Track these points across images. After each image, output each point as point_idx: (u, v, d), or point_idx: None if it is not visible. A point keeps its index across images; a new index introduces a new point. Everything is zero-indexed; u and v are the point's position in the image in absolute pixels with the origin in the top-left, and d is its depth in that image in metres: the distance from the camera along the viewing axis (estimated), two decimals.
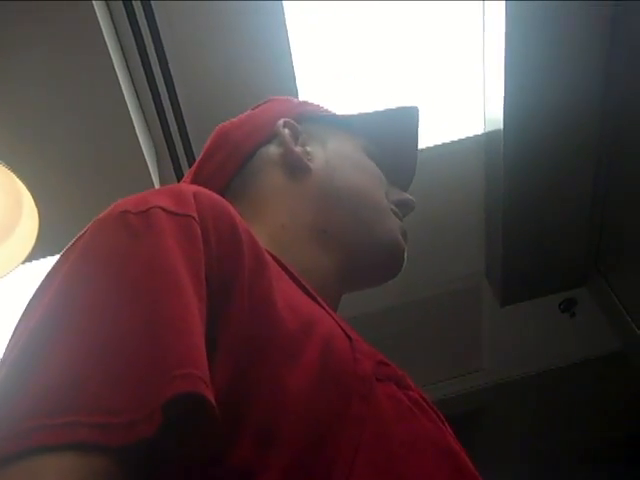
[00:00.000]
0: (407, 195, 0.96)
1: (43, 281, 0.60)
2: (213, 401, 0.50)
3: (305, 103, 1.01)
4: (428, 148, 2.47)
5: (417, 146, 1.05)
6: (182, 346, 0.51)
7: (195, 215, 0.60)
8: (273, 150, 0.90)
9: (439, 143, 2.50)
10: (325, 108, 1.01)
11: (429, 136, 2.47)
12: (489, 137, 2.48)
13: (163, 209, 0.59)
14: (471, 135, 2.52)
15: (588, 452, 3.51)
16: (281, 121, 0.91)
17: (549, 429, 3.48)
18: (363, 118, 0.98)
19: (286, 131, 0.91)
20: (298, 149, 0.89)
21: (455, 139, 2.52)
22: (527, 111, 2.27)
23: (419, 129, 1.04)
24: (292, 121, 0.92)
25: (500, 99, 2.25)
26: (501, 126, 2.31)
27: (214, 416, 0.50)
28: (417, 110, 1.03)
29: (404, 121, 1.02)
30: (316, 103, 1.02)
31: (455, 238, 2.79)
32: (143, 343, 0.50)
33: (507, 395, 3.37)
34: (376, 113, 0.99)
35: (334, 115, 0.98)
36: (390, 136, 0.99)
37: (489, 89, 2.34)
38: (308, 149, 0.91)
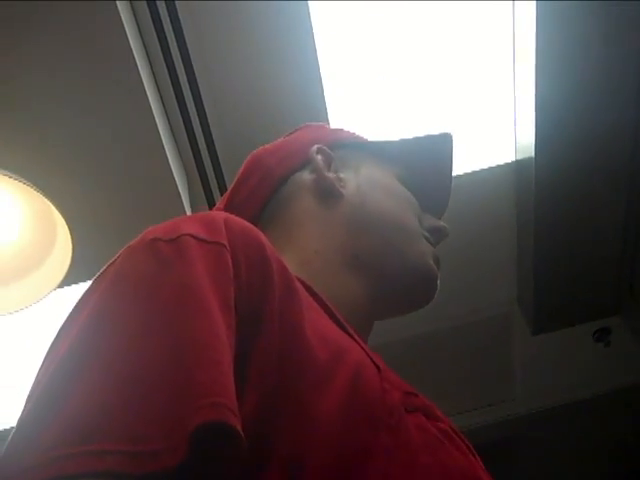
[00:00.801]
0: (440, 222, 0.96)
1: (74, 308, 0.60)
2: (240, 430, 0.50)
3: (339, 130, 1.02)
4: (459, 175, 2.47)
5: (451, 173, 1.05)
6: (210, 375, 0.51)
7: (226, 243, 0.60)
8: (306, 176, 0.91)
9: (470, 171, 2.49)
10: (358, 135, 1.01)
11: (460, 163, 2.46)
12: (520, 165, 2.47)
13: (194, 237, 0.59)
14: (502, 163, 2.51)
15: None
16: (314, 147, 0.92)
17: (581, 460, 3.42)
18: (396, 145, 0.98)
19: (319, 157, 0.91)
20: (331, 175, 0.90)
21: (486, 167, 2.51)
22: (559, 138, 2.26)
23: (453, 156, 1.04)
24: (325, 148, 0.93)
25: (531, 126, 2.24)
26: (532, 154, 2.30)
27: (241, 445, 0.50)
28: (451, 137, 1.03)
29: (437, 148, 1.02)
30: (350, 130, 1.03)
31: (487, 266, 2.77)
32: (171, 372, 0.50)
33: (538, 425, 3.32)
34: (409, 140, 0.99)
35: (367, 142, 0.99)
36: (423, 163, 0.99)
37: (520, 116, 2.33)
38: (341, 175, 0.91)
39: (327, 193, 0.89)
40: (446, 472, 0.63)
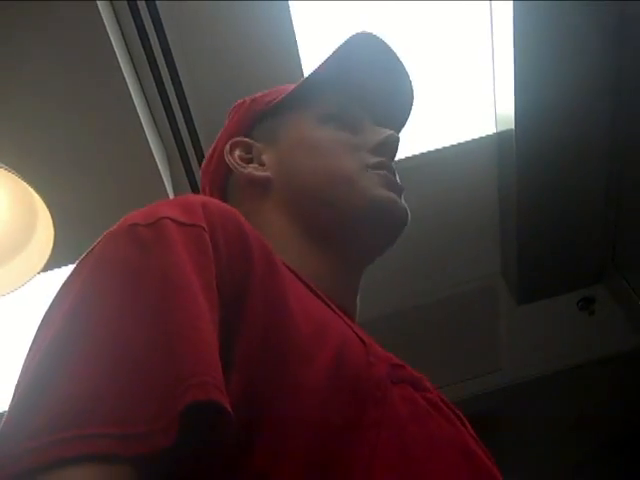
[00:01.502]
0: (384, 133, 0.88)
1: (57, 295, 0.60)
2: (229, 407, 0.50)
3: (254, 101, 0.96)
4: (440, 149, 2.47)
5: (397, 66, 0.96)
6: (196, 355, 0.51)
7: (204, 225, 0.60)
8: (237, 178, 0.90)
9: (451, 144, 2.49)
10: (276, 92, 0.95)
11: (441, 137, 2.46)
12: (501, 136, 2.47)
13: (172, 220, 0.59)
14: (483, 135, 2.52)
15: (608, 451, 3.49)
16: (227, 146, 0.90)
17: (568, 428, 3.46)
18: (316, 77, 0.91)
19: (235, 154, 0.90)
20: (249, 168, 0.88)
21: (467, 139, 2.52)
22: (539, 109, 2.27)
23: (390, 51, 0.95)
24: (240, 138, 0.91)
25: (511, 98, 2.24)
26: (513, 125, 2.30)
27: (230, 422, 0.50)
28: (369, 34, 0.92)
29: (363, 50, 0.92)
30: (271, 91, 0.96)
31: (470, 238, 2.78)
32: (157, 354, 0.50)
33: (525, 395, 3.35)
34: (329, 58, 0.90)
35: (284, 97, 0.93)
36: (354, 74, 0.92)
37: (499, 88, 2.33)
38: (263, 157, 0.89)
39: (257, 185, 0.87)
40: (434, 442, 0.63)
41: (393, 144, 0.88)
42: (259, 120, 0.93)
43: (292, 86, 0.93)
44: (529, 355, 3.25)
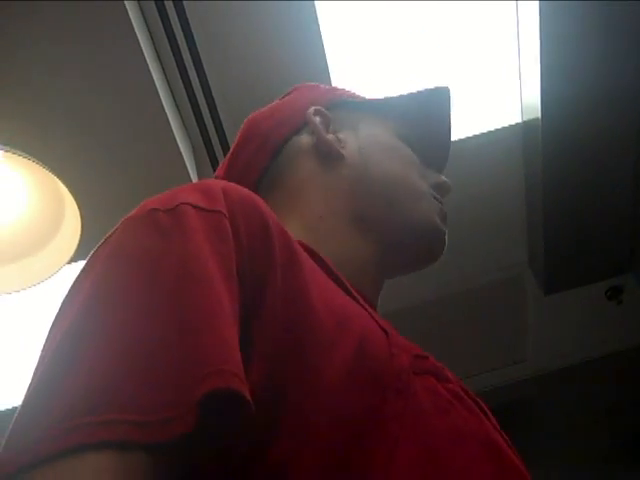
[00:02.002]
0: (442, 177, 0.94)
1: (75, 281, 0.60)
2: (248, 396, 0.50)
3: (334, 89, 1.00)
4: (467, 139, 2.45)
5: (450, 127, 1.03)
6: (215, 342, 0.51)
7: (224, 211, 0.60)
8: (305, 139, 0.90)
9: (477, 133, 2.48)
10: (355, 93, 0.99)
11: (466, 126, 2.45)
12: (527, 125, 2.45)
13: (192, 205, 0.59)
14: (509, 124, 2.49)
15: (635, 443, 3.46)
16: (311, 109, 0.90)
17: (595, 419, 3.43)
18: (394, 101, 0.96)
19: (317, 119, 0.90)
20: (330, 137, 0.89)
21: (493, 129, 2.50)
22: (565, 97, 2.24)
23: (451, 109, 1.02)
24: (322, 109, 0.91)
25: (537, 86, 2.22)
26: (539, 114, 2.28)
27: (249, 411, 0.50)
28: (448, 90, 1.01)
29: (436, 102, 1.00)
30: (345, 88, 1.01)
31: (496, 228, 2.76)
32: (176, 341, 0.50)
33: (552, 385, 3.33)
34: (407, 96, 0.97)
35: (364, 100, 0.97)
36: (422, 118, 0.97)
37: (525, 76, 2.31)
38: (340, 136, 0.90)
39: (327, 155, 0.88)
40: (457, 434, 0.63)
41: (447, 191, 0.93)
42: (336, 106, 0.94)
43: (354, 91, 0.99)
44: (556, 345, 3.22)
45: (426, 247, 0.88)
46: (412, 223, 0.86)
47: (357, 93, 1.00)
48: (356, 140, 0.90)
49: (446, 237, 0.89)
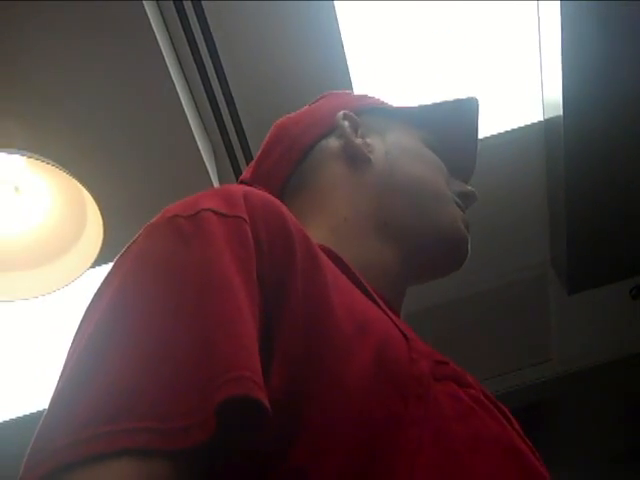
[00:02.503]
0: (469, 187, 0.95)
1: (99, 288, 0.60)
2: (266, 403, 0.50)
3: (363, 96, 1.02)
4: (488, 137, 2.44)
5: (477, 137, 1.04)
6: (234, 349, 0.51)
7: (245, 216, 0.60)
8: (333, 143, 0.91)
9: (499, 132, 2.46)
10: (383, 101, 1.01)
11: (488, 125, 2.43)
12: (549, 123, 2.43)
13: (213, 211, 0.59)
14: (530, 122, 2.48)
15: None
16: (341, 113, 0.92)
17: (619, 419, 3.40)
18: (422, 110, 0.97)
19: (346, 123, 0.91)
20: (358, 141, 0.90)
21: (514, 127, 2.48)
22: (587, 94, 2.22)
23: (479, 120, 1.03)
24: (351, 113, 0.92)
25: (558, 83, 2.20)
26: (561, 112, 2.26)
27: (268, 418, 0.50)
28: (477, 101, 1.02)
29: (463, 112, 1.01)
30: (374, 96, 1.02)
31: (518, 228, 2.75)
32: (195, 347, 0.51)
33: (577, 385, 3.30)
34: (435, 105, 0.98)
35: (393, 107, 0.98)
36: (449, 128, 0.98)
37: (547, 74, 2.29)
38: (368, 141, 0.91)
39: (355, 159, 0.89)
40: (479, 440, 0.62)
41: (473, 200, 0.95)
42: (365, 112, 0.95)
43: (383, 99, 1.00)
44: (580, 345, 3.20)
45: (450, 254, 0.89)
46: (437, 227, 0.87)
47: (386, 102, 1.01)
48: (383, 145, 0.91)
49: (469, 246, 0.89)
